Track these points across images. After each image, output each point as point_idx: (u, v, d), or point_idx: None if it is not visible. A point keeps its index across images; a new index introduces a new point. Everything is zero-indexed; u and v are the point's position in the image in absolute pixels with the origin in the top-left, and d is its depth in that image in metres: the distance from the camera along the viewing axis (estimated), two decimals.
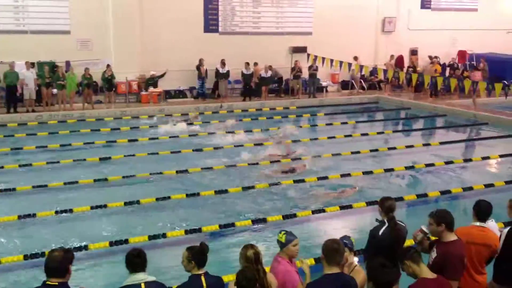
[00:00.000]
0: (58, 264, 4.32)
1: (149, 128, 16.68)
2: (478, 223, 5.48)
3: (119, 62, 19.95)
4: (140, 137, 15.39)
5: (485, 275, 5.48)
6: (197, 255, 4.75)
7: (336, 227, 9.20)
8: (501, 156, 13.78)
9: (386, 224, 5.56)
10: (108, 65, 19.36)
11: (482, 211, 5.50)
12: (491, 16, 26.24)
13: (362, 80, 23.68)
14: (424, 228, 5.27)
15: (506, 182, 11.37)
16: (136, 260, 4.64)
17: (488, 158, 13.56)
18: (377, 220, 5.80)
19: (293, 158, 13.37)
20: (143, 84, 20.62)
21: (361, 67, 20.40)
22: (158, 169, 12.01)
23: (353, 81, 23.63)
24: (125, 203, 9.97)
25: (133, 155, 13.32)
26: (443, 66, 24.33)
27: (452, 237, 5.12)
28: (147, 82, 20.56)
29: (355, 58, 22.57)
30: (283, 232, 5.16)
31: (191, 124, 17.24)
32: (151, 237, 8.50)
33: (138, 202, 10.06)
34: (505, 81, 20.67)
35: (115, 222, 9.45)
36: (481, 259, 5.32)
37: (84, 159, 13.02)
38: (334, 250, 4.57)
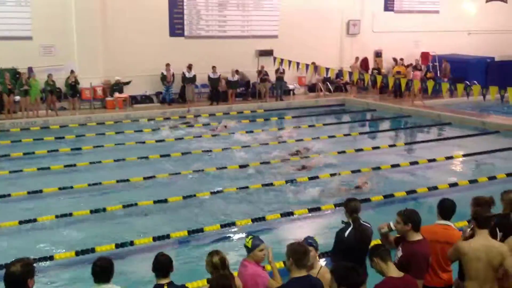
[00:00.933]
0: (17, 278, 4.00)
1: (115, 134, 16.48)
2: (442, 222, 5.57)
3: (83, 68, 19.63)
4: (106, 143, 15.16)
5: (450, 272, 5.58)
6: (155, 266, 4.71)
7: (304, 229, 9.23)
8: (464, 155, 14.10)
9: (352, 226, 5.60)
10: (71, 71, 19.03)
11: (446, 209, 5.59)
12: (452, 18, 26.83)
13: (328, 83, 23.89)
14: (392, 225, 5.32)
15: (470, 181, 11.63)
16: (100, 270, 4.56)
17: (451, 157, 13.85)
18: (342, 221, 5.84)
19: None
20: (109, 89, 20.34)
21: (327, 69, 20.57)
22: (125, 176, 11.86)
23: (319, 83, 23.81)
24: (91, 211, 9.82)
25: (100, 162, 13.13)
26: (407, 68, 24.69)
27: (417, 236, 5.20)
28: (112, 87, 20.28)
29: (357, 59, 23.59)
30: (250, 237, 5.15)
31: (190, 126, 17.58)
32: (119, 245, 8.39)
33: (104, 209, 9.92)
34: (467, 82, 21.19)
35: (81, 231, 9.26)
36: (446, 256, 5.41)
37: (49, 168, 12.75)
38: (302, 253, 4.56)
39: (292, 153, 14.06)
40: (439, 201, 5.74)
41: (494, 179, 11.86)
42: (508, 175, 12.09)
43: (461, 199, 6.26)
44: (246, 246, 5.11)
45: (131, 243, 8.48)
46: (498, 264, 5.01)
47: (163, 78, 20.65)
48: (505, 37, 28.53)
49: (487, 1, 28.61)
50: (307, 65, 20.31)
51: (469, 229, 5.36)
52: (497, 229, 5.59)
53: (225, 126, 17.30)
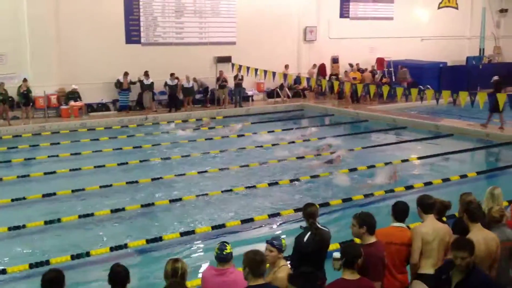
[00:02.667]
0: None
1: (70, 143, 16.13)
2: (396, 224, 5.67)
3: (36, 76, 19.15)
4: (61, 152, 14.80)
5: (406, 274, 5.67)
6: (111, 278, 4.61)
7: (265, 234, 9.23)
8: (419, 158, 14.39)
9: (310, 231, 5.62)
10: (24, 79, 18.53)
11: (400, 212, 5.69)
12: (406, 25, 27.51)
13: (287, 88, 24.05)
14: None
15: (425, 184, 11.87)
16: (50, 284, 4.41)
17: (407, 160, 14.11)
18: (301, 227, 5.85)
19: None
20: (63, 98, 19.90)
21: (285, 75, 20.72)
22: (80, 185, 11.60)
23: (278, 89, 23.94)
24: (46, 222, 9.54)
25: (54, 172, 12.80)
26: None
27: (372, 239, 5.28)
28: (67, 95, 19.85)
29: (314, 65, 24.01)
30: (229, 247, 5.05)
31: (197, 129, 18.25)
32: (74, 257, 8.17)
33: (59, 220, 9.67)
34: (421, 86, 21.71)
35: (35, 243, 9.01)
36: (402, 258, 5.51)
37: (1, 179, 12.34)
38: (258, 262, 4.55)
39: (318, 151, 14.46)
40: (393, 204, 5.85)
41: (448, 181, 12.16)
42: (462, 177, 12.42)
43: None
44: (230, 254, 5.00)
45: (87, 254, 8.28)
46: (448, 242, 5.47)
47: (119, 85, 20.36)
48: (457, 42, 29.51)
49: (439, 8, 29.45)
50: (265, 71, 20.40)
51: None
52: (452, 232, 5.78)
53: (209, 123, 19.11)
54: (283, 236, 6.27)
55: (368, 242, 5.26)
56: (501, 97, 15.10)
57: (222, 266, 5.02)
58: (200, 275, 7.40)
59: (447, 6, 29.72)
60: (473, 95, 15.77)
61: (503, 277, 5.60)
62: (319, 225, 5.72)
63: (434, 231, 5.56)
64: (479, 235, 5.37)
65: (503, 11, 30.99)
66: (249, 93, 23.50)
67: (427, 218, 5.68)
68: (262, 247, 5.19)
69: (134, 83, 20.61)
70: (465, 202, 5.99)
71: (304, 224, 5.82)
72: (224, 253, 5.00)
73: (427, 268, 5.50)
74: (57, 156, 14.47)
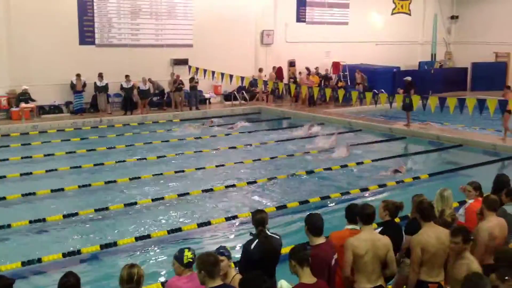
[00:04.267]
0: None
1: (21, 146, 15.66)
2: (350, 226, 5.74)
3: None
4: (11, 156, 14.35)
5: None
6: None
7: (222, 239, 9.18)
8: (373, 160, 14.63)
9: (258, 238, 5.53)
10: None
11: (353, 214, 5.74)
12: (361, 30, 27.98)
13: (243, 91, 24.07)
14: None
15: (380, 186, 12.09)
16: None
17: (362, 163, 14.33)
18: (251, 233, 5.77)
19: None
20: (14, 99, 19.29)
21: (242, 78, 20.69)
22: (31, 189, 11.26)
23: (235, 92, 23.93)
24: None
25: (4, 176, 12.38)
26: (320, 77, 25.39)
27: (318, 240, 5.33)
28: (18, 97, 19.26)
29: (260, 70, 24.21)
30: (190, 252, 4.92)
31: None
32: (25, 263, 7.90)
33: (9, 225, 9.36)
34: (375, 90, 22.12)
35: None
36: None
37: None
38: (213, 263, 4.50)
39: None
40: (347, 206, 5.92)
41: (402, 182, 12.41)
42: (414, 178, 12.71)
43: (372, 203, 6.44)
44: (192, 260, 4.86)
45: (39, 260, 8.03)
46: (384, 255, 5.37)
47: (73, 86, 19.93)
48: (410, 47, 30.22)
49: (392, 14, 30.10)
50: (222, 74, 20.33)
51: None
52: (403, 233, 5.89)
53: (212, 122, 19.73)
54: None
55: (314, 243, 5.31)
56: (415, 98, 16.21)
57: (190, 272, 4.92)
58: (160, 280, 7.37)
59: (400, 12, 30.40)
60: (425, 99, 16.16)
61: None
62: (268, 232, 5.61)
63: (367, 244, 5.32)
64: (429, 231, 5.53)
65: (453, 17, 31.95)
66: (207, 95, 23.40)
67: (364, 229, 5.48)
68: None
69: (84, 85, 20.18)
70: (417, 202, 6.11)
71: (254, 231, 5.75)
72: (184, 260, 4.88)
73: (364, 283, 5.34)
74: (7, 159, 14.02)
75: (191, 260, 4.87)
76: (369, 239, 5.35)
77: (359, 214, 5.53)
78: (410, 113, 18.50)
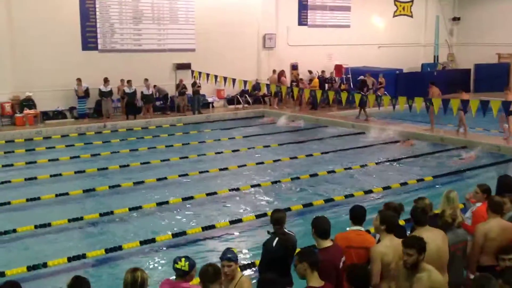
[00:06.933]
0: None
1: (25, 152, 15.71)
2: (354, 228, 5.73)
3: None
4: (16, 161, 14.39)
5: None
6: None
7: (227, 242, 9.18)
8: (377, 163, 14.62)
9: (277, 236, 5.65)
10: None
11: (357, 215, 5.76)
12: (363, 32, 28.01)
13: (246, 95, 24.10)
14: None
15: (384, 188, 12.07)
16: None
17: (366, 165, 14.32)
18: (268, 232, 5.86)
19: None
20: (18, 105, 19.37)
21: (245, 82, 20.74)
22: (36, 194, 11.29)
23: (238, 96, 23.93)
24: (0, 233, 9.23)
25: (9, 181, 12.43)
26: (322, 80, 25.36)
27: (327, 244, 5.33)
28: (21, 103, 19.33)
29: (274, 71, 24.28)
30: (183, 260, 4.90)
31: None
32: (31, 268, 7.91)
33: (15, 230, 9.37)
34: (378, 93, 22.09)
35: None
36: (362, 261, 5.51)
37: None
38: (211, 274, 4.60)
39: None
40: (351, 208, 5.92)
41: (406, 185, 12.40)
42: (418, 180, 12.71)
43: (376, 205, 6.45)
44: (181, 270, 4.85)
45: (44, 265, 8.04)
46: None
47: (76, 92, 20.02)
48: (412, 49, 30.22)
49: (394, 16, 30.13)
50: (225, 78, 20.38)
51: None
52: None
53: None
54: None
55: (322, 246, 5.31)
56: (371, 97, 18.31)
57: (177, 279, 4.93)
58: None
59: (402, 15, 30.44)
60: (428, 101, 16.15)
61: (457, 277, 5.73)
62: (285, 230, 5.76)
63: (393, 251, 5.28)
64: (423, 234, 5.36)
65: (455, 19, 31.96)
66: (210, 100, 23.44)
67: (386, 237, 5.43)
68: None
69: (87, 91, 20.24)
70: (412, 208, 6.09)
71: (271, 229, 5.84)
72: (175, 266, 4.90)
73: None
74: (12, 165, 14.07)
75: (183, 269, 4.85)
76: (394, 245, 5.29)
77: (386, 222, 5.42)
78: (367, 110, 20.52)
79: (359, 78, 23.45)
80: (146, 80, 20.92)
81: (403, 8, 30.42)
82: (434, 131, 18.22)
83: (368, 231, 6.03)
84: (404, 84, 25.76)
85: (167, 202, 11.05)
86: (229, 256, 5.06)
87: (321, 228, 5.36)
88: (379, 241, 5.55)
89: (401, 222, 6.30)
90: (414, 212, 5.73)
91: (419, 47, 31.01)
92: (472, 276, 5.59)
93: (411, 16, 30.70)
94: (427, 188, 12.24)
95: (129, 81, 20.56)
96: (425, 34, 31.24)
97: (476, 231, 5.96)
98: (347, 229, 5.84)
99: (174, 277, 5.03)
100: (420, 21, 30.89)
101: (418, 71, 29.01)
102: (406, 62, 28.91)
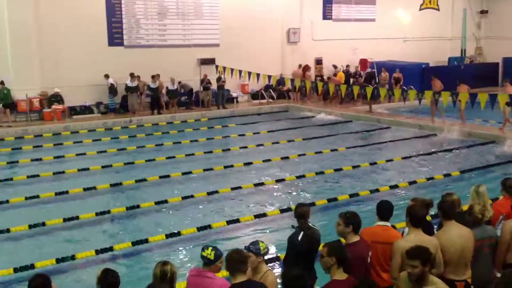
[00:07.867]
0: None
1: (53, 146, 15.98)
2: (381, 223, 5.69)
3: (18, 80, 18.94)
4: (44, 156, 14.66)
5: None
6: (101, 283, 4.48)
7: (251, 236, 9.21)
8: (403, 158, 14.49)
9: (303, 230, 5.67)
10: (1, 82, 18.35)
11: (384, 211, 5.72)
12: (388, 26, 27.72)
13: (271, 90, 24.08)
14: None
15: (410, 183, 11.97)
16: None
17: (391, 160, 14.20)
18: (293, 226, 5.87)
19: None
20: (46, 101, 19.71)
21: (269, 77, 20.72)
22: (64, 188, 11.50)
23: (262, 91, 23.94)
24: (30, 226, 9.42)
25: (38, 175, 12.66)
26: (347, 74, 25.22)
27: (355, 238, 5.31)
28: (49, 99, 19.67)
29: (300, 66, 24.54)
30: (210, 248, 4.92)
31: None
32: (59, 260, 8.07)
33: (44, 224, 9.55)
34: (404, 87, 21.87)
35: (19, 246, 8.91)
36: (386, 256, 5.47)
37: None
38: (235, 261, 4.58)
39: None
40: (378, 203, 5.86)
41: (432, 179, 12.28)
42: (445, 175, 12.56)
43: (401, 200, 6.41)
44: (206, 258, 4.88)
45: (73, 257, 8.20)
46: (433, 256, 5.11)
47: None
48: (439, 43, 29.81)
49: (420, 9, 29.73)
50: (249, 73, 20.40)
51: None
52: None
53: None
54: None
55: (351, 241, 5.28)
56: (369, 90, 18.55)
57: (203, 268, 4.97)
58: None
59: (428, 8, 30.03)
60: (455, 95, 15.93)
61: (486, 273, 5.66)
62: (310, 224, 5.78)
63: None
64: (453, 230, 5.39)
65: (483, 12, 31.40)
66: (234, 94, 23.49)
67: (413, 231, 5.33)
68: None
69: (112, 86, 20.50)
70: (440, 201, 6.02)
71: (295, 224, 5.85)
72: (202, 254, 4.92)
73: None
74: (40, 159, 14.34)
75: (208, 257, 4.87)
76: (418, 241, 5.04)
77: (411, 216, 5.34)
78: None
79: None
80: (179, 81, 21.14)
81: (430, 1, 30.01)
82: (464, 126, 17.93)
83: (393, 226, 5.99)
84: (430, 78, 25.36)
85: (192, 196, 11.13)
86: (249, 247, 5.10)
87: (357, 221, 5.28)
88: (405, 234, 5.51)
89: (428, 218, 6.22)
90: (442, 204, 5.67)
91: (445, 41, 30.56)
92: (498, 274, 5.51)
93: (438, 9, 30.27)
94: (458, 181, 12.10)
95: (153, 76, 20.73)
96: (452, 27, 30.77)
97: (503, 228, 5.88)
98: (375, 224, 5.80)
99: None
100: (447, 14, 30.43)
101: (445, 65, 28.60)
102: (433, 56, 28.53)
